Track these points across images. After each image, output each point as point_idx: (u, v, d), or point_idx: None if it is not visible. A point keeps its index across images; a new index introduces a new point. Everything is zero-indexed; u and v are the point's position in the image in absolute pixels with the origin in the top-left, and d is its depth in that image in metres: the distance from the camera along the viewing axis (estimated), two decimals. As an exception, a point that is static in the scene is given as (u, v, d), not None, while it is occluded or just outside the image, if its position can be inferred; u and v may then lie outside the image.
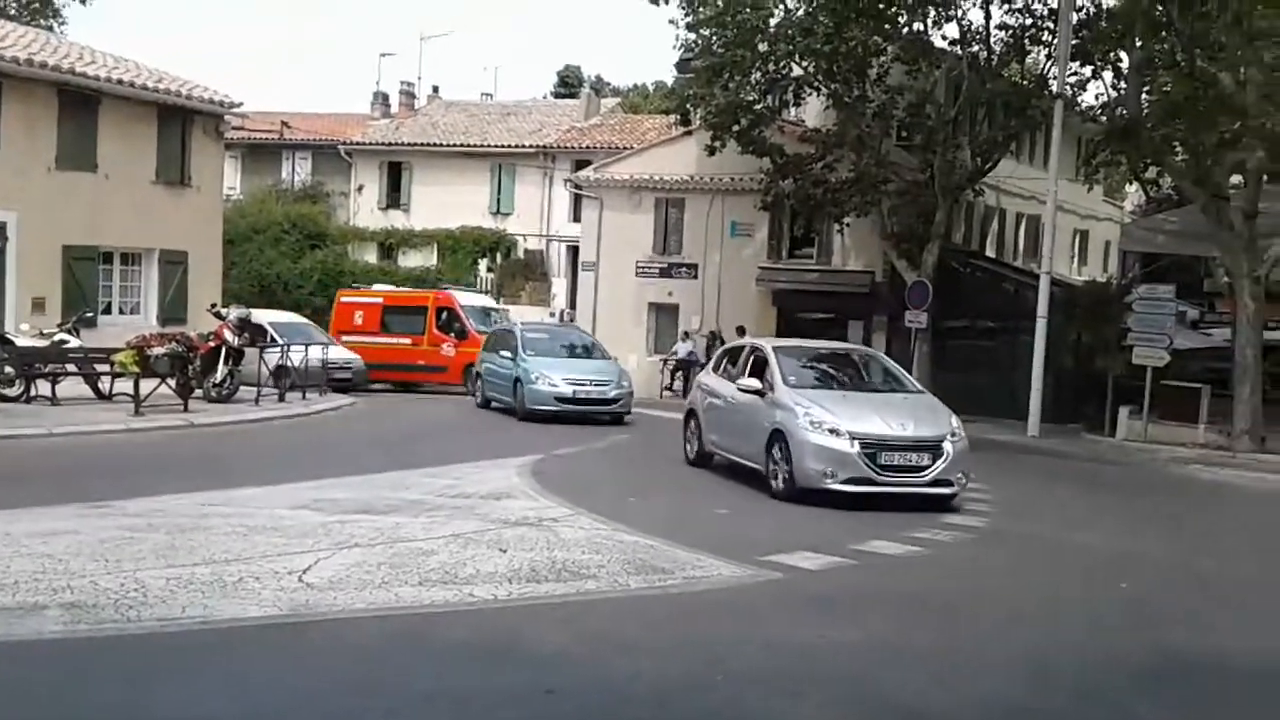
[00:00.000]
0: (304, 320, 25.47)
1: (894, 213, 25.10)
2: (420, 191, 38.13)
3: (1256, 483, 15.78)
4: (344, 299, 27.46)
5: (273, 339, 21.20)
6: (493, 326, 23.93)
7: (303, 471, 11.52)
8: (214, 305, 19.79)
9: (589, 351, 20.85)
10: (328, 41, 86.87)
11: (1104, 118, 25.65)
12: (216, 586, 6.63)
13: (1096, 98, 27.37)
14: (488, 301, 28.79)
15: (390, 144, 38.74)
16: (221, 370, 17.91)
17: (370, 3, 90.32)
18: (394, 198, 38.73)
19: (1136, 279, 24.62)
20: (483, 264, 36.59)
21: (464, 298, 26.93)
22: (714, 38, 24.56)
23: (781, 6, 24.88)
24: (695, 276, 28.26)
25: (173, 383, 16.79)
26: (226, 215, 26.34)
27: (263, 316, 22.93)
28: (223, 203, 25.28)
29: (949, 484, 11.09)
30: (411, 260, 37.37)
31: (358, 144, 39.05)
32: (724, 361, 13.94)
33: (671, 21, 25.16)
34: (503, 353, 20.22)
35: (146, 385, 16.06)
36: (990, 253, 30.28)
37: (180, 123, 22.15)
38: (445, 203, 36.77)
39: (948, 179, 24.54)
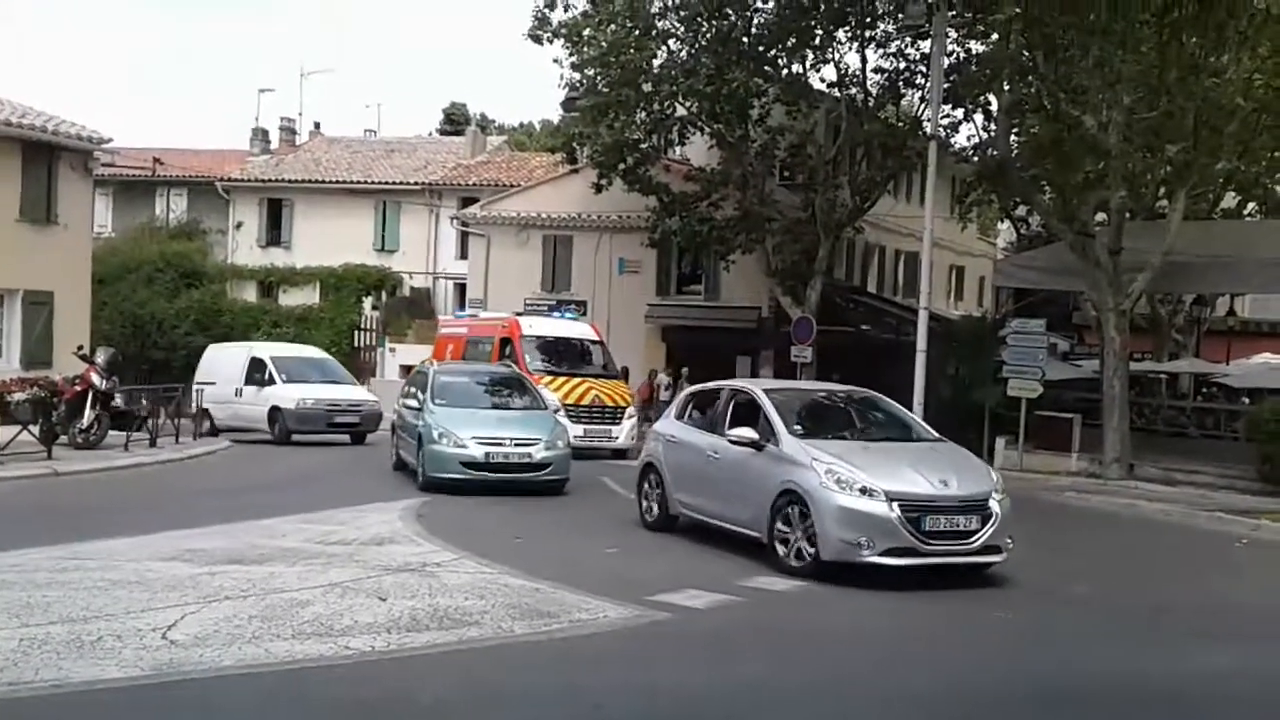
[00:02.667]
0: (321, 355, 24.67)
1: (778, 250, 25.54)
2: (302, 229, 37.38)
3: (1126, 509, 16.31)
4: (443, 330, 24.91)
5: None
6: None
7: (173, 520, 11.04)
8: (80, 347, 18.96)
9: (519, 398, 16.28)
10: (204, 78, 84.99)
11: (975, 158, 26.62)
12: (74, 646, 6.26)
13: (968, 139, 28.37)
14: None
15: (271, 181, 37.93)
16: (88, 415, 17.15)
17: (249, 38, 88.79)
18: (274, 235, 37.89)
19: (1009, 313, 25.51)
20: (367, 302, 35.98)
21: (545, 325, 22.52)
22: (599, 77, 24.79)
23: (664, 48, 25.28)
24: (584, 313, 28.30)
25: (35, 429, 16.01)
26: (97, 254, 25.41)
27: (265, 350, 23.32)
28: (92, 241, 24.36)
29: (998, 550, 9.42)
30: (293, 298, 36.56)
31: (236, 180, 38.14)
32: (690, 408, 12.00)
33: (556, 61, 25.36)
34: (411, 401, 15.97)
35: (7, 432, 15.28)
36: (871, 288, 30.99)
37: (46, 159, 21.34)
38: (328, 240, 36.12)
39: (829, 217, 25.10)
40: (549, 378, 20.19)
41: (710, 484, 10.81)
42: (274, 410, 21.64)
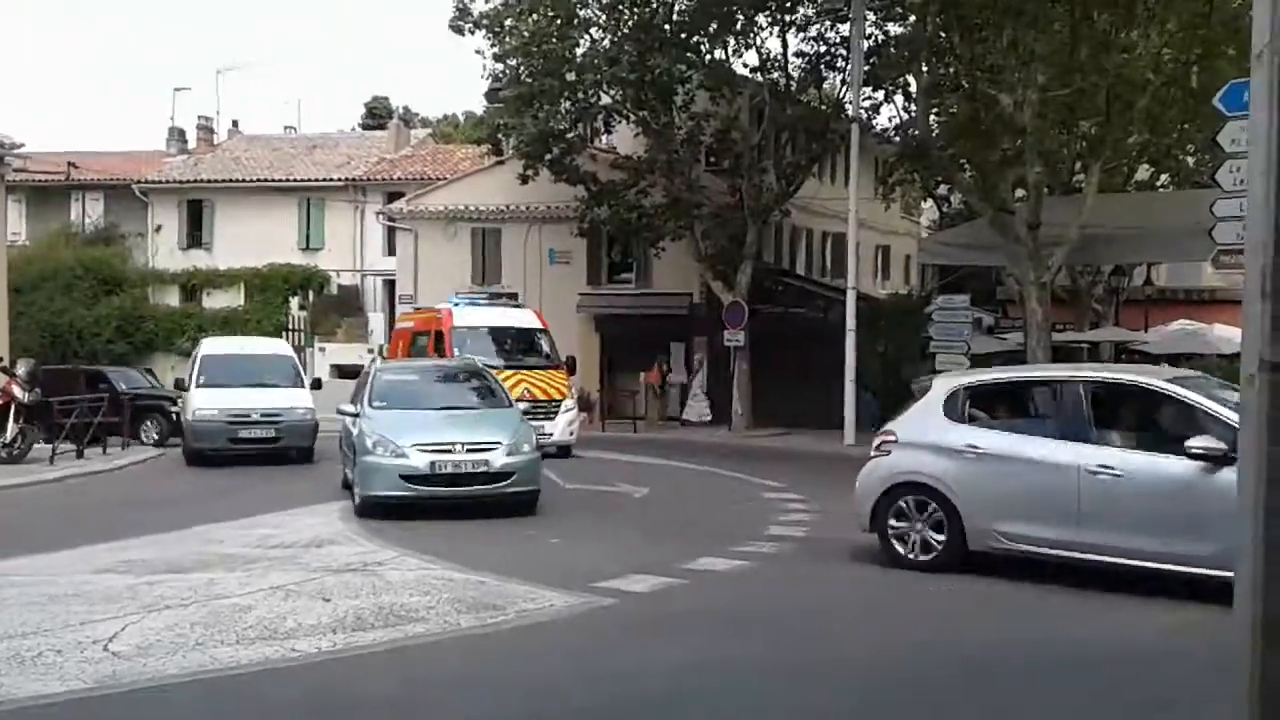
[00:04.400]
0: (272, 351, 20.47)
1: (707, 236, 25.71)
2: (224, 230, 36.69)
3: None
4: (398, 325, 23.91)
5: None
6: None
7: (106, 532, 10.84)
8: (0, 360, 18.48)
9: (476, 395, 13.97)
10: (116, 77, 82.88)
11: (897, 139, 27.03)
12: (13, 663, 6.16)
13: (889, 120, 28.76)
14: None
15: (189, 181, 37.19)
16: (11, 429, 16.75)
17: (161, 36, 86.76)
18: (195, 237, 37.14)
19: (934, 290, 25.94)
20: (294, 302, 35.46)
21: (480, 315, 20.84)
22: (522, 68, 24.74)
23: (587, 36, 25.27)
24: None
25: (-44, 445, 15.61)
26: (11, 262, 24.71)
27: (206, 346, 19.46)
28: (6, 249, 23.70)
29: None
30: (218, 301, 35.93)
31: (153, 183, 37.32)
32: (968, 405, 9.26)
33: (478, 52, 25.27)
34: (348, 406, 13.46)
35: (-75, 449, 14.85)
36: (800, 271, 31.34)
37: (-47, 165, 20.70)
38: (251, 240, 35.50)
39: (756, 201, 25.33)
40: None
41: (1093, 511, 8.21)
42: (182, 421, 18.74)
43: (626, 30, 24.81)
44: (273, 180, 36.64)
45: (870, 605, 8.23)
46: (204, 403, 17.80)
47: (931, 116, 23.76)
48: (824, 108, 26.71)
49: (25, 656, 6.29)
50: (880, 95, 25.88)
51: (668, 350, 27.67)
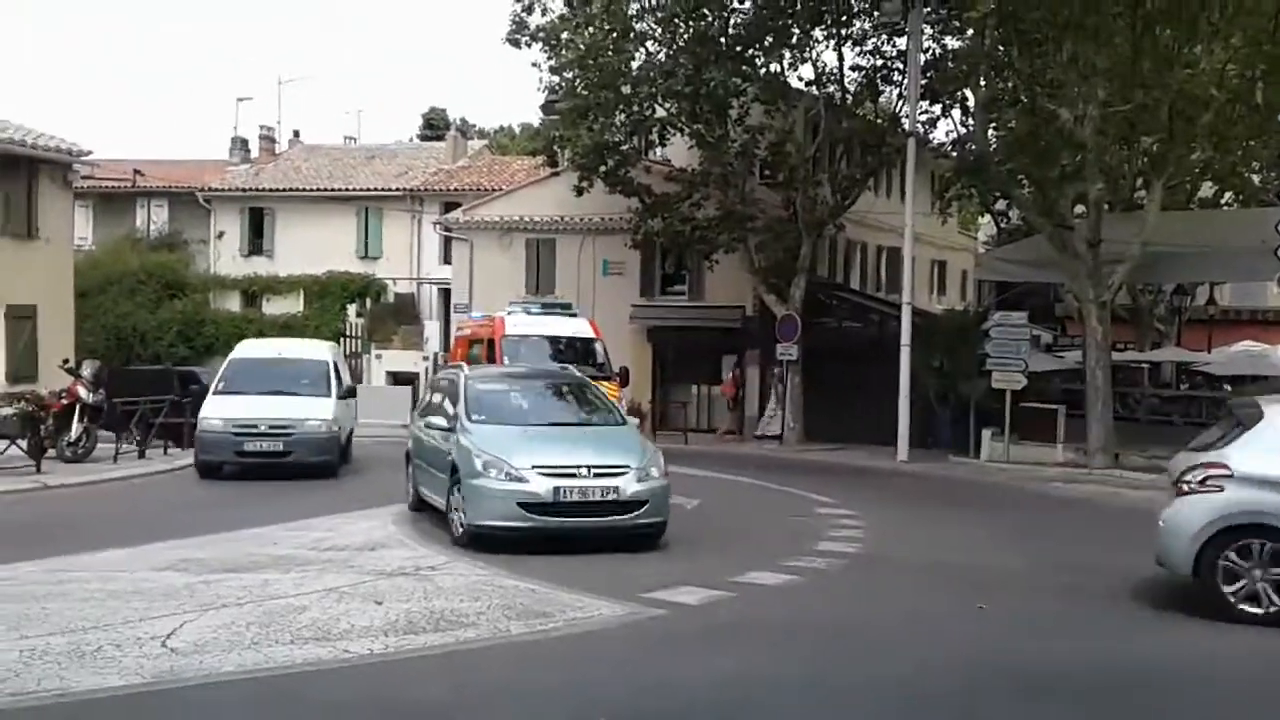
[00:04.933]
0: (305, 355, 18.58)
1: (761, 249, 25.67)
2: (284, 237, 37.30)
3: (1112, 498, 16.49)
4: (456, 332, 23.45)
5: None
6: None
7: (166, 531, 11.05)
8: (66, 360, 18.92)
9: (587, 410, 12.14)
10: (182, 88, 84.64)
11: (954, 154, 26.81)
12: (74, 656, 6.31)
13: (947, 134, 28.55)
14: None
15: (251, 189, 37.85)
16: (76, 428, 17.11)
17: (226, 48, 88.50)
18: (257, 244, 37.79)
19: (991, 306, 25.68)
20: (352, 309, 35.94)
21: (533, 323, 19.89)
22: (577, 80, 24.89)
23: (642, 50, 25.38)
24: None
25: (24, 443, 15.98)
26: (78, 267, 25.31)
27: (239, 349, 18.48)
28: (74, 254, 24.28)
29: None
30: (277, 307, 36.49)
31: (217, 190, 38.04)
32: None
33: (535, 65, 25.50)
34: (437, 418, 11.98)
35: (-6, 447, 15.25)
36: (854, 285, 31.16)
37: (25, 172, 21.26)
38: (311, 248, 36.05)
39: (810, 215, 25.24)
40: None
41: None
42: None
43: (682, 43, 24.88)
44: (332, 189, 37.20)
45: (920, 623, 8.14)
46: (211, 412, 16.48)
47: (990, 131, 23.58)
48: (880, 121, 26.57)
49: (85, 650, 6.43)
50: (937, 109, 25.72)
51: (740, 361, 26.96)
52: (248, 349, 19.02)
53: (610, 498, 10.20)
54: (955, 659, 7.04)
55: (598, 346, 19.95)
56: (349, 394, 18.49)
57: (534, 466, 10.16)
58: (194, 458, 16.91)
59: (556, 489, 10.06)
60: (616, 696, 6.05)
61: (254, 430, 16.14)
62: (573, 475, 10.17)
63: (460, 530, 10.44)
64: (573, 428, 11.52)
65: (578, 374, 14.00)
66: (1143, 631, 7.99)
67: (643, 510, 10.29)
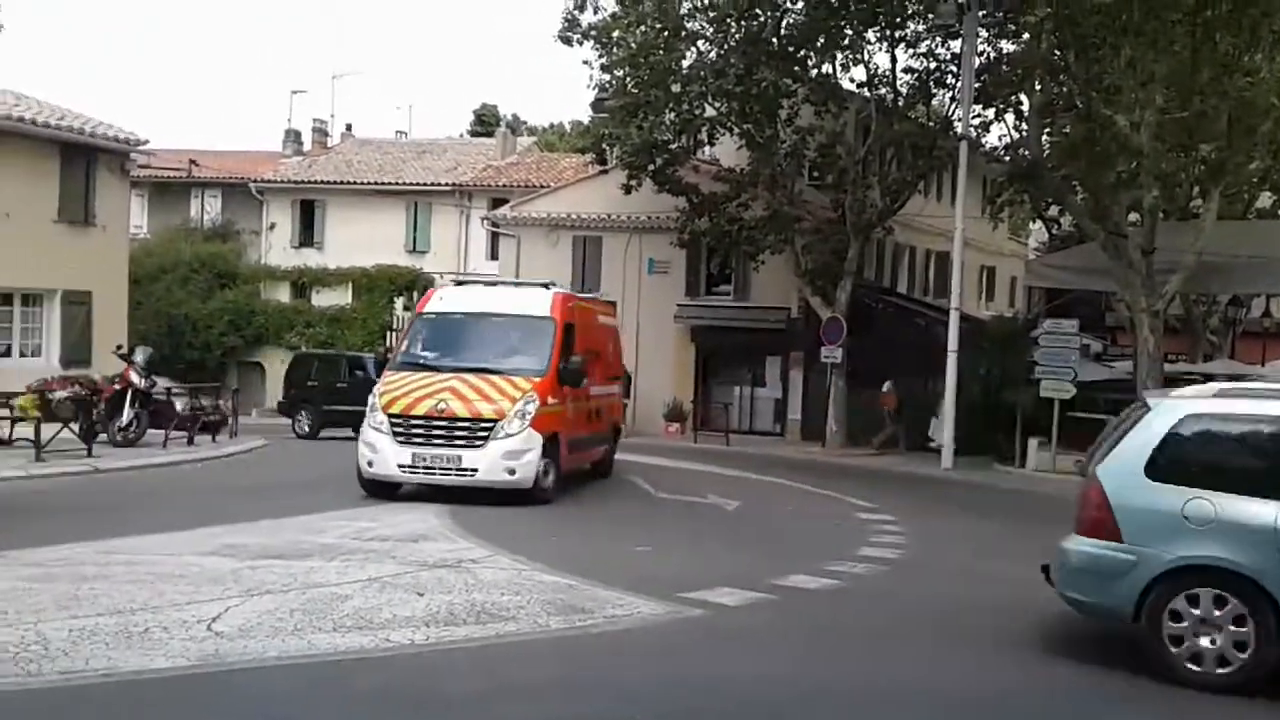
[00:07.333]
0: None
1: (808, 250, 25.55)
2: (334, 229, 37.67)
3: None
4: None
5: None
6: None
7: (212, 516, 11.22)
8: (119, 347, 19.25)
9: None
10: (237, 80, 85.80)
11: (1007, 158, 26.54)
12: (121, 637, 6.42)
13: (999, 139, 28.29)
14: None
15: (303, 182, 38.26)
16: (127, 413, 17.41)
17: (281, 41, 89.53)
18: (307, 236, 38.20)
19: (1041, 314, 25.38)
20: (399, 302, 36.24)
21: (467, 298, 15.12)
22: (628, 78, 24.91)
23: (693, 49, 25.35)
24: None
25: (76, 427, 16.28)
26: (133, 254, 25.72)
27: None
28: (129, 242, 24.67)
29: None
30: (326, 299, 36.86)
31: (269, 182, 38.49)
32: None
33: (586, 62, 25.51)
34: None
35: (48, 430, 15.53)
36: (901, 289, 30.93)
37: (84, 161, 21.62)
38: (360, 241, 36.38)
39: (859, 217, 25.09)
40: (412, 375, 13.58)
41: None
42: None
43: (733, 43, 24.82)
44: (382, 183, 37.51)
45: (961, 631, 8.06)
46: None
47: (1043, 136, 23.30)
48: (932, 124, 26.36)
49: (133, 632, 6.54)
50: (990, 113, 25.47)
51: (892, 372, 24.64)
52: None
53: None
54: (1001, 669, 6.96)
55: (547, 331, 14.09)
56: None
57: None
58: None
59: None
60: (654, 695, 6.05)
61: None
62: None
63: None
64: None
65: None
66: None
67: None
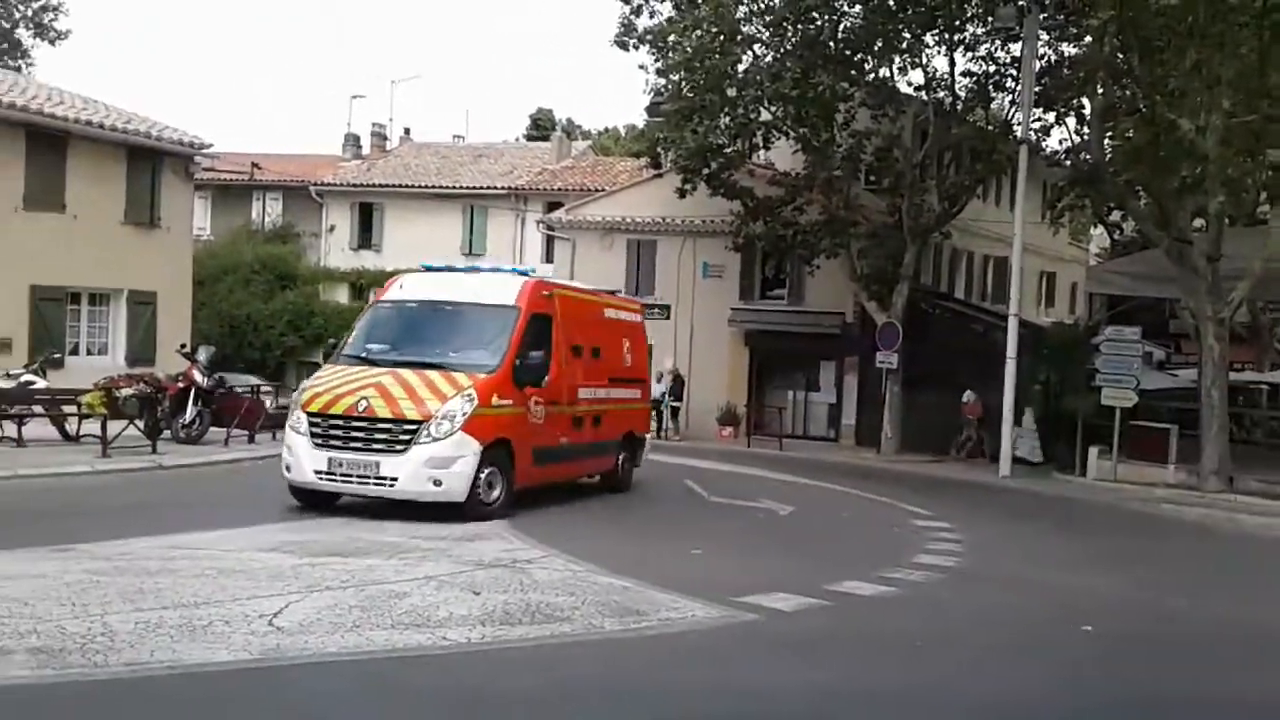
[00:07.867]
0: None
1: (863, 255, 25.37)
2: (392, 232, 38.10)
3: (1225, 523, 15.91)
4: None
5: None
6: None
7: (273, 514, 11.40)
8: (183, 346, 19.62)
9: None
10: (299, 85, 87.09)
11: (1068, 163, 26.15)
12: (185, 630, 6.54)
13: (1060, 143, 27.87)
14: None
15: (362, 185, 38.74)
16: (190, 411, 17.71)
17: (340, 46, 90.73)
18: (366, 238, 38.68)
19: (1103, 321, 24.99)
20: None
21: (427, 286, 13.63)
22: (683, 82, 24.90)
23: (750, 53, 25.29)
24: (668, 317, 28.29)
25: (141, 424, 16.59)
26: (196, 256, 26.21)
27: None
28: (192, 243, 25.17)
29: None
30: (383, 301, 37.25)
31: (329, 185, 39.02)
32: None
33: (641, 67, 25.58)
34: None
35: (114, 427, 15.83)
36: (959, 294, 30.59)
37: (150, 163, 22.10)
38: (417, 243, 36.63)
39: (916, 222, 24.87)
40: (347, 370, 12.16)
41: None
42: None
43: (789, 47, 24.72)
44: (440, 186, 37.86)
45: (1021, 642, 7.96)
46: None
47: (1106, 140, 22.90)
48: (991, 128, 26.05)
49: (196, 625, 6.66)
50: (1051, 117, 25.15)
51: (976, 379, 23.71)
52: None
53: None
54: (1058, 680, 6.86)
55: (508, 321, 12.39)
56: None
57: None
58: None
59: None
60: (707, 699, 6.04)
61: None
62: None
63: None
64: None
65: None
66: (1256, 667, 7.68)
67: None
